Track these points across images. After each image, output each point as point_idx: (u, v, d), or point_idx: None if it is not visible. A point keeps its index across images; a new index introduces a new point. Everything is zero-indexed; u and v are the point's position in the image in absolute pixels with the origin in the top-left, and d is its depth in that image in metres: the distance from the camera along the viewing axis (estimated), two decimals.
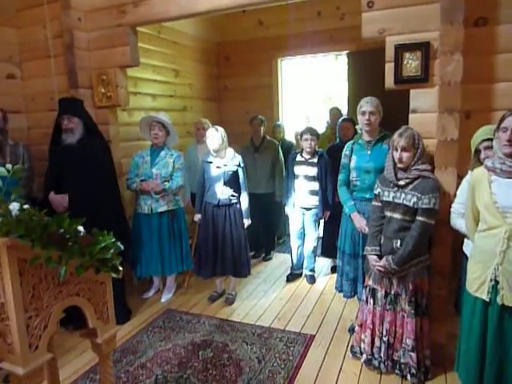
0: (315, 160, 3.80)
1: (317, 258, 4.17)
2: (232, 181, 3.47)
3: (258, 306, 3.59)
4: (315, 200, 3.84)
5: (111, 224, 2.33)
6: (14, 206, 1.19)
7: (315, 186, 3.80)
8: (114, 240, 1.41)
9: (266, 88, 5.57)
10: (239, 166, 3.49)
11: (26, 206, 1.22)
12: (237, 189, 3.52)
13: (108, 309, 1.56)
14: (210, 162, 3.47)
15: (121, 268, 1.52)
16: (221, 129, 3.41)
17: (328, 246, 4.08)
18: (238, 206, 3.52)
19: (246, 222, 3.57)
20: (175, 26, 4.66)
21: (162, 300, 3.72)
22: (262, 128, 4.61)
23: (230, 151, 3.49)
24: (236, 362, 2.72)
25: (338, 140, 4.20)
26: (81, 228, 1.33)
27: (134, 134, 3.90)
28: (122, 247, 1.42)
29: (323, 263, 4.51)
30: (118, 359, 2.78)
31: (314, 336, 3.05)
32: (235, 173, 3.48)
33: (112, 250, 1.42)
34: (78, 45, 3.47)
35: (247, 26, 5.44)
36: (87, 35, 3.55)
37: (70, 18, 3.43)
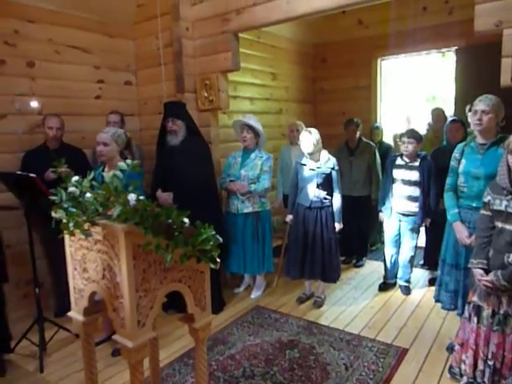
0: (416, 164, 3.58)
1: (413, 268, 3.93)
2: (325, 183, 3.44)
3: (348, 312, 3.50)
4: (414, 206, 3.61)
5: (209, 219, 2.47)
6: (132, 197, 1.34)
7: (415, 191, 3.58)
8: (214, 233, 1.50)
9: (364, 89, 5.42)
10: (333, 168, 3.45)
11: (141, 197, 1.37)
12: (330, 191, 3.48)
13: (205, 297, 1.67)
14: (304, 164, 3.48)
15: (218, 260, 1.61)
16: (314, 131, 3.39)
17: (431, 257, 3.82)
18: (330, 208, 3.48)
19: (338, 225, 3.50)
20: (273, 30, 4.77)
21: (252, 296, 3.84)
22: (358, 131, 4.49)
23: (325, 154, 3.46)
24: (322, 366, 2.70)
25: (444, 142, 3.91)
26: (186, 220, 1.44)
27: (233, 136, 4.09)
28: (221, 240, 1.51)
29: (420, 274, 4.24)
30: (209, 347, 2.93)
31: (407, 350, 2.88)
32: (329, 175, 3.44)
33: (212, 242, 1.51)
34: (186, 52, 3.76)
35: (346, 25, 5.35)
36: (193, 43, 3.82)
37: (179, 28, 3.73)
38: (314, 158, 3.43)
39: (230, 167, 3.71)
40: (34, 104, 3.55)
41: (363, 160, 4.42)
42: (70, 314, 1.73)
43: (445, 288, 2.83)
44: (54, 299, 3.70)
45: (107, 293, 1.47)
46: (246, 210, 3.62)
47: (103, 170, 2.69)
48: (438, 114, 4.48)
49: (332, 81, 5.66)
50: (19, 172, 2.86)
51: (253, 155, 3.66)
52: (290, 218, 3.63)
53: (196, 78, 3.79)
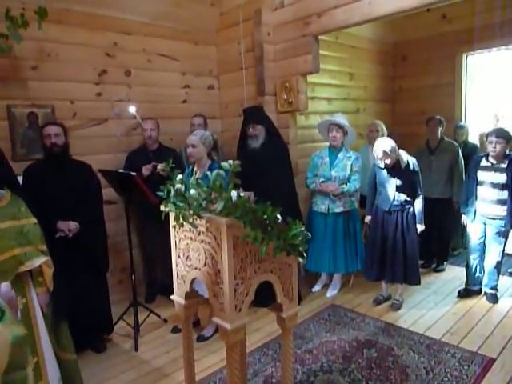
0: (504, 165, 3.37)
1: (501, 276, 3.71)
2: (405, 185, 3.37)
3: (427, 316, 3.41)
4: (501, 210, 3.41)
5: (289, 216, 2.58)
6: (234, 194, 1.50)
7: (503, 194, 3.37)
8: (303, 229, 1.60)
9: (447, 86, 5.18)
10: (413, 170, 3.38)
11: (242, 194, 1.52)
12: (410, 193, 3.40)
13: (293, 289, 1.78)
14: (382, 167, 3.44)
15: (305, 255, 1.71)
16: (389, 141, 3.27)
17: None
18: (410, 210, 3.41)
19: (420, 227, 3.42)
20: (352, 30, 4.72)
21: (328, 295, 3.89)
22: (440, 129, 4.33)
23: (404, 155, 3.39)
24: (402, 368, 2.68)
25: None
26: (278, 216, 1.56)
27: (309, 137, 4.17)
28: (309, 235, 1.61)
29: (510, 283, 3.98)
30: None
31: (494, 360, 2.75)
32: (409, 177, 3.38)
33: (300, 238, 1.61)
34: (267, 57, 3.91)
35: (428, 22, 5.15)
36: (274, 47, 3.95)
37: (260, 34, 3.89)
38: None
39: (317, 167, 3.75)
40: (131, 109, 3.92)
41: (444, 160, 4.24)
42: (172, 297, 1.94)
43: None
44: (145, 286, 4.07)
45: (208, 279, 1.64)
46: (337, 210, 3.67)
47: (193, 169, 2.93)
48: None
49: (412, 79, 5.50)
50: (121, 170, 3.20)
51: (341, 155, 3.69)
52: (368, 218, 3.63)
53: (276, 81, 3.92)
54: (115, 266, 3.90)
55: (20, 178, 2.89)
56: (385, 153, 3.23)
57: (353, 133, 3.76)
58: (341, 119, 3.68)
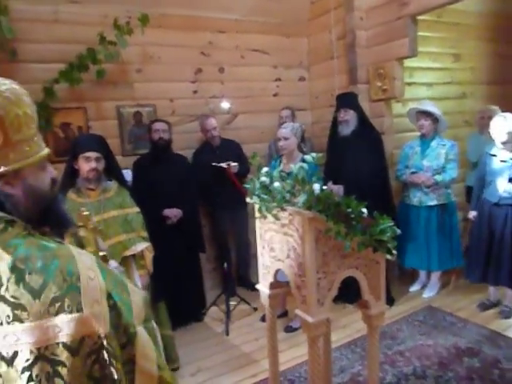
0: None
1: None
2: None
3: None
4: None
5: (381, 211, 2.45)
6: (316, 187, 1.47)
7: None
8: (392, 224, 1.51)
9: None
10: None
11: (324, 187, 1.48)
12: None
13: (380, 287, 1.69)
14: (494, 155, 3.10)
15: (395, 252, 1.61)
16: (510, 117, 2.96)
17: None
18: None
19: None
20: (458, 5, 4.28)
21: (424, 296, 3.63)
22: None
23: None
24: (509, 383, 2.39)
25: None
26: (364, 210, 1.50)
27: (408, 125, 3.88)
28: (399, 231, 1.51)
29: None
30: None
31: None
32: None
33: (389, 234, 1.52)
34: (359, 43, 3.74)
35: None
36: (366, 33, 3.76)
37: (352, 19, 3.73)
38: (508, 147, 3.01)
39: (408, 158, 3.55)
40: (225, 105, 4.07)
41: None
42: (257, 286, 1.99)
43: None
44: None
45: (291, 271, 1.65)
46: (430, 203, 3.43)
47: (280, 162, 2.94)
48: None
49: None
50: (214, 163, 3.35)
51: (433, 143, 3.44)
52: (473, 214, 3.29)
53: (369, 68, 3.73)
54: (209, 255, 4.12)
55: (128, 171, 3.25)
56: (510, 134, 2.92)
57: (444, 120, 3.46)
58: (427, 106, 3.41)
